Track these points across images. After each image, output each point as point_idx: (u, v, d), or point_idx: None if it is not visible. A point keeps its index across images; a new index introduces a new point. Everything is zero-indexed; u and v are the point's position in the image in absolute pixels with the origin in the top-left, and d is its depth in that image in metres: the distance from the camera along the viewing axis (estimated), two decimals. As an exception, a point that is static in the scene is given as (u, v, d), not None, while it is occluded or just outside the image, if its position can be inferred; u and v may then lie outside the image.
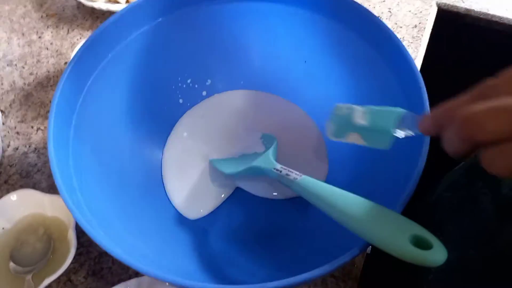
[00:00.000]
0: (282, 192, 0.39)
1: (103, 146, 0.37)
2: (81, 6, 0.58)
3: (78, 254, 0.39)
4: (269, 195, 0.40)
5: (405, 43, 0.50)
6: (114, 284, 0.36)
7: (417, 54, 0.51)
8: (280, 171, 0.34)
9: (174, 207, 0.40)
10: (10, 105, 0.50)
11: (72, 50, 0.53)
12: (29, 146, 0.47)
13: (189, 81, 0.44)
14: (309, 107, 0.43)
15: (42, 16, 0.58)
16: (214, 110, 0.44)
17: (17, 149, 0.46)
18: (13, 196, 0.40)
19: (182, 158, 0.42)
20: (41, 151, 0.46)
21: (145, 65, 0.40)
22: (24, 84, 0.51)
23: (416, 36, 0.53)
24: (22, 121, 0.48)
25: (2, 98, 0.50)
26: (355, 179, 0.37)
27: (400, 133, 0.25)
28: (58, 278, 0.36)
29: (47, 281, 0.35)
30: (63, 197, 0.28)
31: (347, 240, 0.27)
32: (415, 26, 0.53)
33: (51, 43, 0.55)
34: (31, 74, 0.52)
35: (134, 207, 0.36)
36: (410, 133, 0.25)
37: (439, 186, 0.33)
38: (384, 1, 0.56)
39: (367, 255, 0.39)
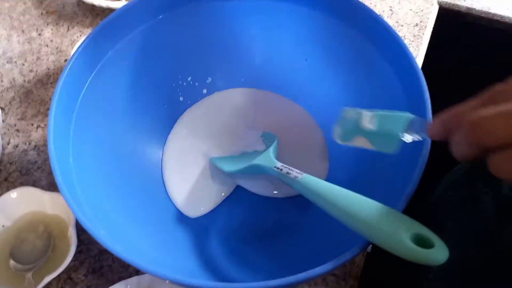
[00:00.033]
0: (283, 190, 0.39)
1: (103, 144, 0.37)
2: (81, 3, 0.58)
3: (78, 252, 0.39)
4: (270, 194, 0.40)
5: (406, 42, 0.50)
6: (114, 282, 0.36)
7: (418, 52, 0.51)
8: (281, 169, 0.34)
9: (174, 205, 0.39)
10: (10, 102, 0.50)
11: (72, 48, 0.53)
12: (29, 144, 0.46)
13: (189, 78, 0.44)
14: (309, 105, 0.43)
15: (42, 13, 0.57)
16: (214, 108, 0.44)
17: (17, 146, 0.46)
18: (13, 194, 0.40)
19: (182, 156, 0.42)
20: (41, 148, 0.46)
21: (145, 62, 0.40)
22: (24, 81, 0.51)
23: (417, 34, 0.53)
24: (22, 119, 0.48)
25: (2, 95, 0.50)
26: (356, 177, 0.37)
27: (408, 138, 0.25)
28: (58, 276, 0.36)
29: (47, 279, 0.35)
30: (63, 194, 0.28)
31: (348, 238, 0.27)
32: (416, 25, 0.53)
33: (51, 40, 0.55)
34: (31, 71, 0.52)
35: (134, 205, 0.36)
36: (418, 137, 0.25)
37: (440, 185, 0.33)
38: (385, -1, 0.56)
39: (367, 253, 0.39)
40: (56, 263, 0.37)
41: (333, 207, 0.27)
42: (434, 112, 0.30)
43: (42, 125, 0.48)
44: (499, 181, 0.27)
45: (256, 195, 0.40)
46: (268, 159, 0.36)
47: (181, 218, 0.39)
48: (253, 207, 0.40)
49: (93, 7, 0.57)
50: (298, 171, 0.32)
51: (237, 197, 0.40)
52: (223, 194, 0.40)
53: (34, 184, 0.43)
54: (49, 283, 0.37)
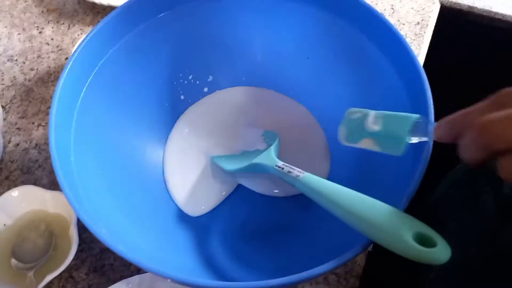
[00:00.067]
0: (284, 189, 0.39)
1: (104, 142, 0.37)
2: (82, 1, 0.57)
3: (79, 251, 0.39)
4: (271, 193, 0.40)
5: (407, 40, 0.50)
6: (116, 281, 0.36)
7: (420, 51, 0.51)
8: (282, 168, 0.34)
9: (175, 204, 0.39)
10: (11, 100, 0.50)
11: (73, 46, 0.53)
12: (30, 142, 0.46)
13: (190, 77, 0.44)
14: (311, 104, 0.43)
15: (42, 11, 0.57)
16: (215, 107, 0.44)
17: (18, 145, 0.46)
18: (14, 192, 0.40)
19: (183, 155, 0.42)
20: (42, 147, 0.46)
21: (146, 60, 0.40)
22: (25, 79, 0.51)
23: (419, 33, 0.52)
24: (23, 117, 0.48)
25: (3, 93, 0.50)
26: (357, 176, 0.37)
27: (414, 139, 0.25)
28: (60, 274, 0.36)
29: (49, 277, 0.35)
30: (65, 193, 0.28)
31: (349, 237, 0.27)
32: (418, 23, 0.53)
33: (52, 39, 0.54)
34: (31, 69, 0.52)
35: (136, 203, 0.36)
36: (424, 139, 0.25)
37: (442, 183, 0.33)
38: (386, -3, 0.56)
39: (369, 252, 0.39)
40: (58, 261, 0.37)
41: (335, 206, 0.27)
42: (436, 110, 0.30)
43: (43, 123, 0.48)
44: (501, 180, 0.27)
45: (257, 194, 0.40)
46: (269, 158, 0.36)
47: (182, 216, 0.39)
48: (254, 206, 0.40)
49: (94, 5, 0.57)
50: (299, 170, 0.32)
51: (238, 196, 0.40)
52: (224, 193, 0.40)
53: (35, 182, 0.43)
54: (51, 282, 0.37)
